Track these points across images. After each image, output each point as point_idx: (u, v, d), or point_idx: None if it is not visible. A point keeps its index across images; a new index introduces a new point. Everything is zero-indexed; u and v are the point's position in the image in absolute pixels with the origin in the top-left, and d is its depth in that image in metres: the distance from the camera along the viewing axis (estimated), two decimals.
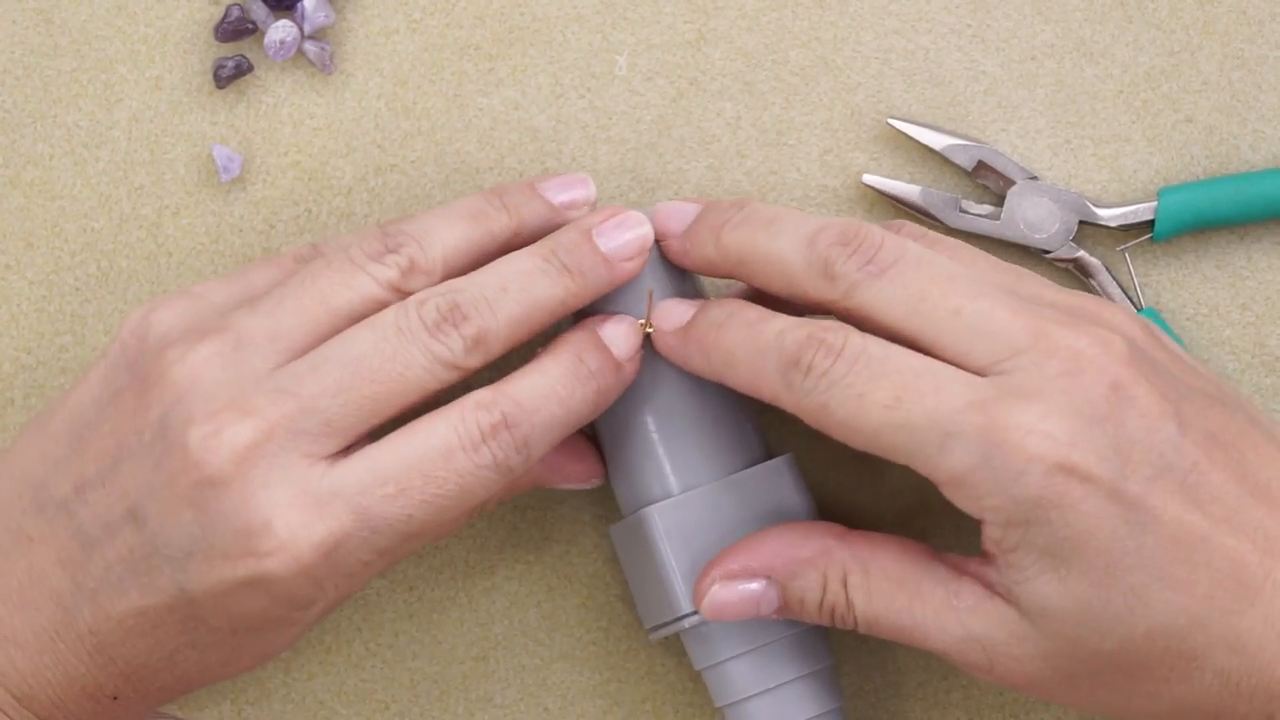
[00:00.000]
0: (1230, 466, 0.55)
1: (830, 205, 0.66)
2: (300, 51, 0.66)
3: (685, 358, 0.59)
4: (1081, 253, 0.64)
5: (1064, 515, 0.54)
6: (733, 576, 0.59)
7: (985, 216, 0.64)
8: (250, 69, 0.66)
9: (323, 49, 0.66)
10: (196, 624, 0.57)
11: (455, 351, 0.57)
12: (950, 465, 0.55)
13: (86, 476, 0.58)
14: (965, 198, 0.65)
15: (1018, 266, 0.59)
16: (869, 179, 0.65)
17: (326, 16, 0.66)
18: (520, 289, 0.58)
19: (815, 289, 0.57)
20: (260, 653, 0.59)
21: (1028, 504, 0.54)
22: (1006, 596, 0.56)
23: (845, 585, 0.58)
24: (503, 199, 0.60)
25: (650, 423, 0.61)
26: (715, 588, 0.59)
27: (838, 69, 0.66)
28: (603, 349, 0.59)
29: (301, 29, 0.66)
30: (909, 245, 0.57)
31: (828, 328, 0.56)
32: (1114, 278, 0.65)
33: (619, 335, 0.60)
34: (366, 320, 0.57)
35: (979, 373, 0.56)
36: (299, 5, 0.65)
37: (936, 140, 0.65)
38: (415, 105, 0.66)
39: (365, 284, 0.58)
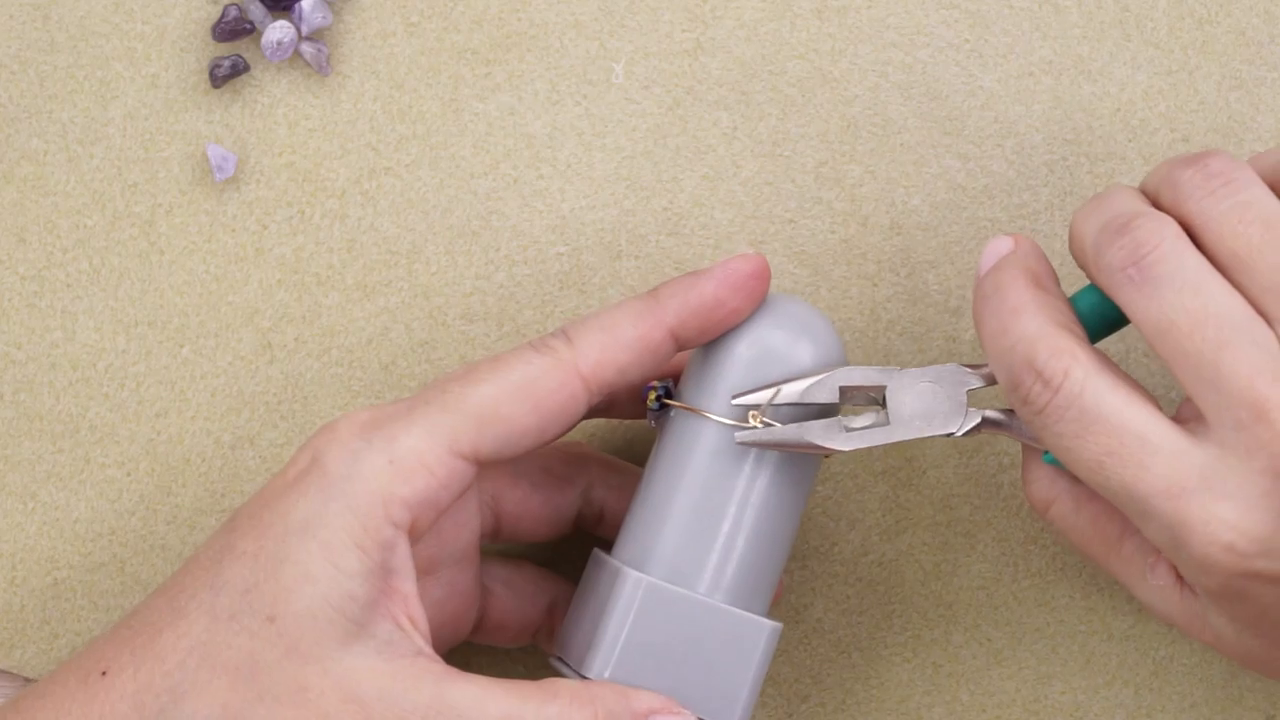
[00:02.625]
0: None
1: (824, 218, 0.66)
2: (297, 53, 0.66)
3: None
4: (984, 414, 0.59)
5: (1246, 604, 0.54)
6: None
7: (873, 426, 0.59)
8: (246, 69, 0.66)
9: (319, 50, 0.66)
10: (224, 549, 0.58)
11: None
12: (1146, 530, 0.55)
13: None
14: (845, 415, 0.59)
15: None
16: (742, 436, 0.58)
17: (324, 18, 0.66)
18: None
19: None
20: (271, 604, 0.57)
21: (1210, 591, 0.55)
22: (1194, 590, 0.57)
23: (1050, 509, 0.59)
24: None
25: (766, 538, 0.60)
26: None
27: (835, 81, 0.66)
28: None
29: (299, 30, 0.66)
30: (1186, 258, 0.55)
31: (1055, 350, 0.55)
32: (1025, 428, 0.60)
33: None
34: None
35: (1199, 417, 0.54)
36: (297, 6, 0.65)
37: (790, 392, 0.58)
38: (411, 108, 0.66)
39: None
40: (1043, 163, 0.66)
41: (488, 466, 0.58)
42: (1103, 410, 0.54)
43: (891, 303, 0.66)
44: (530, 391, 0.57)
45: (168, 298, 0.66)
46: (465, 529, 0.61)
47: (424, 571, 0.60)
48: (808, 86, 0.66)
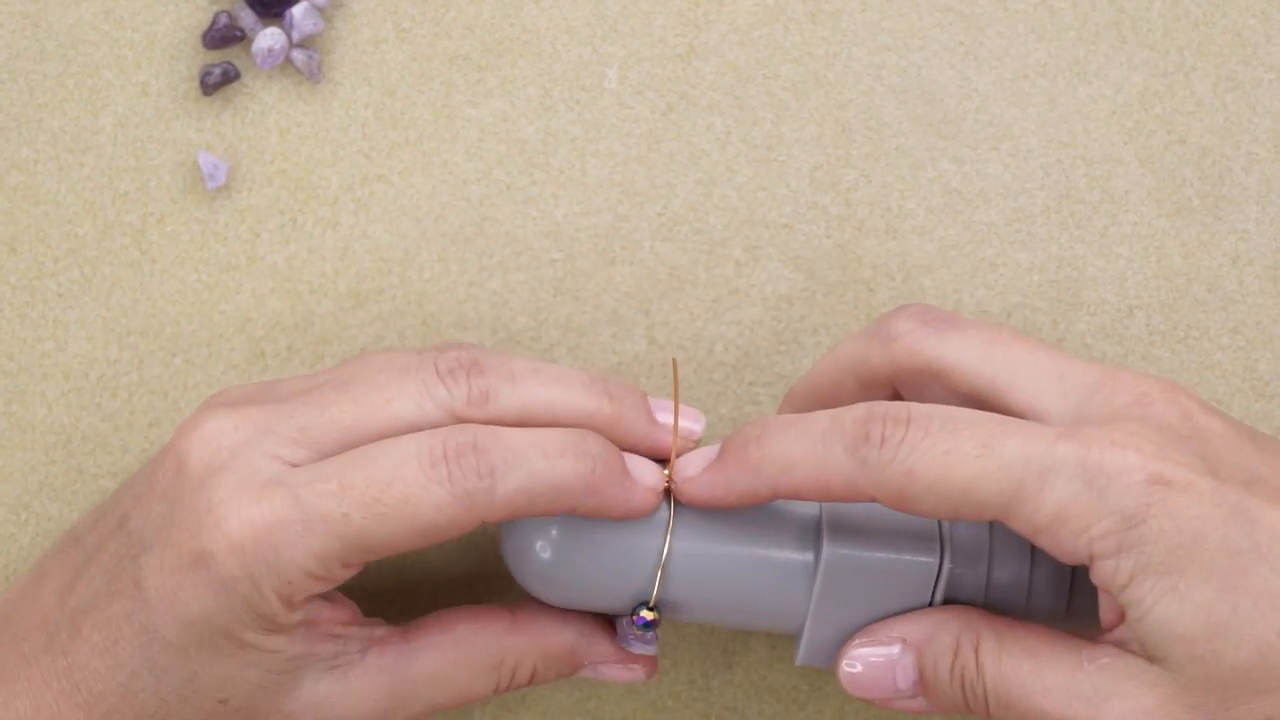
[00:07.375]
0: None
1: (820, 222, 0.66)
2: (288, 59, 0.66)
3: (726, 486, 0.57)
4: None
5: (1173, 522, 0.53)
6: (873, 641, 0.58)
7: None
8: (237, 76, 0.66)
9: (311, 57, 0.65)
10: (150, 637, 0.56)
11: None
12: (1055, 499, 0.54)
13: (102, 512, 0.60)
14: None
15: None
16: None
17: (315, 25, 0.65)
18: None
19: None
20: (218, 689, 0.57)
21: (1135, 517, 0.53)
22: (1139, 648, 0.55)
23: (977, 650, 0.57)
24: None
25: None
26: (857, 648, 0.58)
27: (829, 85, 0.66)
28: (610, 447, 0.57)
29: (290, 37, 0.65)
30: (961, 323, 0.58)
31: (885, 405, 0.55)
32: None
33: (638, 461, 0.58)
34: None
35: (1052, 415, 0.56)
36: (288, 13, 0.65)
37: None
38: (403, 115, 0.66)
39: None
40: (1039, 165, 0.66)
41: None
42: (958, 412, 0.55)
43: (888, 307, 0.66)
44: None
45: (160, 307, 0.66)
46: None
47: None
48: (802, 90, 0.66)
